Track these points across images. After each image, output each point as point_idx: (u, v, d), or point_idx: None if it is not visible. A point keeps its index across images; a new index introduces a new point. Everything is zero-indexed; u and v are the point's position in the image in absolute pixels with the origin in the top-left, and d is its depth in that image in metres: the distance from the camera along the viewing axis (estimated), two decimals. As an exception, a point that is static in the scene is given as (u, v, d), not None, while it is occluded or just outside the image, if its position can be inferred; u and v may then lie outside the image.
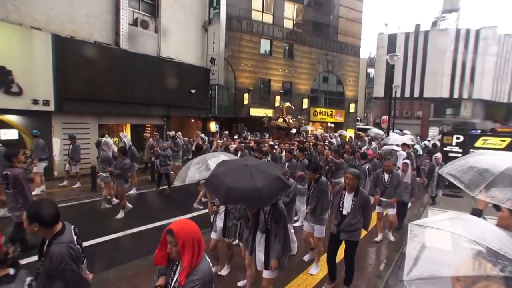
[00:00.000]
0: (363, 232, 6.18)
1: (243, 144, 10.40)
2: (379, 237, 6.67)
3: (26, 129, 10.67)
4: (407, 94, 39.20)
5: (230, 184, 3.18)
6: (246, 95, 21.63)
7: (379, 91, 40.28)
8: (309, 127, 22.46)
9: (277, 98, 23.45)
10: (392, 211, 6.68)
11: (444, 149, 11.89)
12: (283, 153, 9.95)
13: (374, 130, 22.60)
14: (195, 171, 5.08)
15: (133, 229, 7.00)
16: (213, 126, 19.37)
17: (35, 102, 10.40)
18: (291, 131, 14.96)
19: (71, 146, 10.40)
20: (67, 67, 11.03)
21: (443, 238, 1.78)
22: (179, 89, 14.96)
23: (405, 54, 38.29)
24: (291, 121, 14.74)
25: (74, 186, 10.40)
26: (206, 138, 13.45)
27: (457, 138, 11.82)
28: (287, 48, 24.75)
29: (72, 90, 11.29)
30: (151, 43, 14.31)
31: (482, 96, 37.43)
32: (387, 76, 37.65)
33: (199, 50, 16.73)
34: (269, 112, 23.24)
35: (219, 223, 4.84)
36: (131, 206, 8.21)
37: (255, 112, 22.05)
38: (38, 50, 10.29)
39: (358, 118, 35.75)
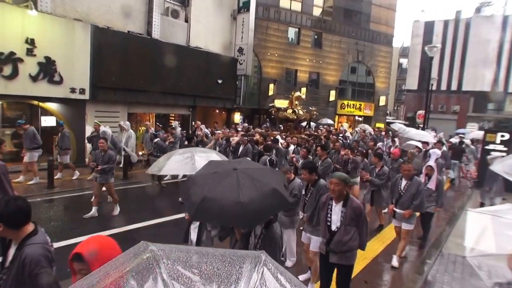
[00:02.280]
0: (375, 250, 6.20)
1: (246, 138, 9.77)
2: (394, 261, 5.71)
3: (63, 116, 11.90)
4: (443, 87, 38.64)
5: (206, 192, 2.70)
6: (271, 86, 22.31)
7: (412, 83, 39.87)
8: (329, 121, 22.61)
9: (303, 89, 23.97)
10: (407, 226, 5.68)
11: (486, 147, 11.84)
12: (291, 147, 9.74)
13: (398, 125, 22.18)
14: (176, 163, 4.75)
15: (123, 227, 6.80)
16: (237, 117, 20.23)
17: (73, 90, 11.53)
18: (301, 124, 14.53)
19: (59, 134, 10.08)
20: (102, 56, 12.09)
21: (501, 224, 2.13)
22: (206, 79, 15.86)
23: (443, 43, 37.63)
24: (301, 112, 14.18)
25: (73, 178, 10.18)
26: (207, 130, 12.88)
27: (502, 136, 11.72)
28: (316, 37, 25.16)
29: (105, 79, 12.35)
30: (180, 32, 15.27)
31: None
32: (421, 67, 37.27)
33: (227, 39, 17.55)
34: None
35: (193, 235, 4.23)
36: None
37: (279, 103, 22.61)
38: (78, 41, 11.40)
39: (388, 111, 35.73)
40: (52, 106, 11.70)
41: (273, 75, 22.62)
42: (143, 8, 13.71)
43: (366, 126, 20.30)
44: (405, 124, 29.48)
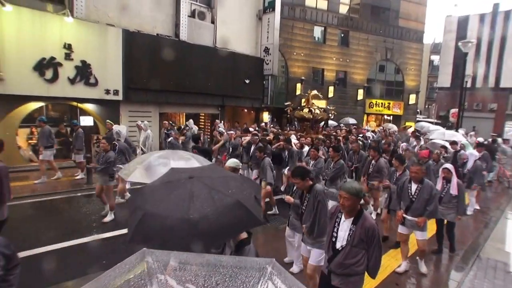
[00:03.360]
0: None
1: (257, 137, 9.36)
2: (402, 267, 5.37)
3: (99, 116, 12.50)
4: (478, 84, 36.96)
5: (149, 207, 2.22)
6: (298, 85, 22.24)
7: (444, 80, 38.35)
8: (351, 120, 21.79)
9: (331, 88, 23.76)
10: (421, 236, 5.21)
11: None
12: (305, 148, 9.05)
13: (421, 124, 21.25)
14: (145, 170, 4.04)
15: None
16: (265, 116, 20.34)
17: (107, 92, 12.08)
18: (319, 123, 13.77)
19: (74, 134, 10.13)
20: (134, 59, 12.58)
21: None
22: (233, 79, 16.10)
23: (478, 38, 35.98)
24: (317, 111, 13.44)
25: (53, 178, 9.77)
26: (224, 130, 12.14)
27: None
28: (342, 35, 24.80)
29: (136, 80, 12.84)
30: (207, 33, 15.58)
31: None
32: (455, 64, 35.83)
33: (253, 40, 17.71)
34: (321, 104, 23.76)
35: None
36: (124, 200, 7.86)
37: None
38: (111, 44, 11.93)
39: (418, 110, 34.60)
40: (89, 106, 12.32)
41: (300, 74, 22.53)
42: (170, 11, 14.13)
43: (390, 125, 19.77)
44: (436, 123, 28.66)
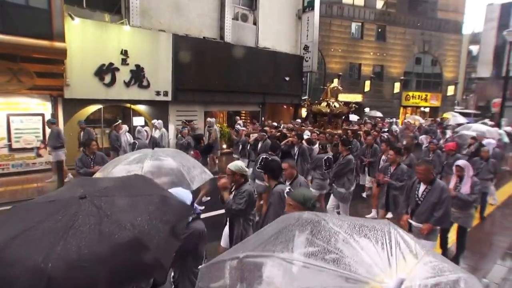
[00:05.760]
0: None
1: (264, 133, 8.42)
2: None
3: (150, 116, 12.50)
4: (521, 73, 33.53)
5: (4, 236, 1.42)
6: (335, 81, 21.23)
7: (484, 70, 35.09)
8: (378, 113, 19.97)
9: (367, 82, 22.52)
10: (429, 245, 3.97)
11: None
12: (316, 145, 7.90)
13: (451, 114, 19.47)
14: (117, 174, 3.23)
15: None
16: (304, 113, 19.65)
17: (158, 93, 11.96)
18: (339, 118, 12.20)
19: (50, 131, 8.68)
20: (182, 61, 12.28)
21: None
22: (274, 77, 15.47)
23: (521, 26, 32.55)
24: (336, 105, 11.78)
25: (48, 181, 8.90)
26: (241, 128, 10.91)
27: None
28: (379, 30, 23.27)
29: (184, 82, 12.58)
30: (250, 34, 15.07)
31: None
32: (496, 53, 32.66)
33: (293, 38, 16.94)
34: (357, 98, 22.62)
35: None
36: None
37: (344, 97, 21.56)
38: (162, 48, 11.74)
39: (456, 101, 32.13)
40: (141, 107, 12.33)
41: (337, 70, 21.52)
42: (216, 15, 13.74)
43: (416, 118, 18.31)
44: (475, 114, 26.36)
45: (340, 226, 1.33)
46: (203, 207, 5.16)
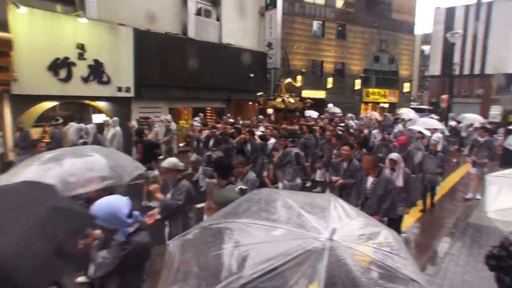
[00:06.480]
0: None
1: (215, 130, 8.10)
2: None
3: (111, 114, 11.89)
4: (466, 71, 35.94)
5: None
6: (298, 77, 21.46)
7: (435, 69, 37.23)
8: (336, 109, 20.15)
9: (329, 79, 23.01)
10: None
11: (509, 127, 11.68)
12: (271, 141, 7.71)
13: (407, 110, 20.38)
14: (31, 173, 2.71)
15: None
16: (269, 109, 19.64)
17: (119, 89, 11.39)
18: (294, 114, 11.88)
19: (20, 133, 8.08)
20: (144, 56, 11.83)
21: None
22: (239, 73, 15.32)
23: (465, 28, 34.81)
24: (291, 100, 11.38)
25: None
26: (199, 124, 10.44)
27: None
28: (339, 28, 23.89)
29: (147, 77, 12.11)
30: (213, 30, 14.79)
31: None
32: (444, 53, 34.73)
33: (256, 35, 16.87)
34: (321, 94, 23.04)
35: None
36: None
37: (307, 94, 21.88)
38: (122, 43, 11.20)
39: (412, 97, 33.80)
40: (101, 104, 11.70)
41: (300, 66, 21.77)
42: (178, 10, 13.34)
43: (373, 113, 18.99)
44: (428, 110, 27.85)
45: (291, 198, 1.57)
46: (154, 211, 3.78)
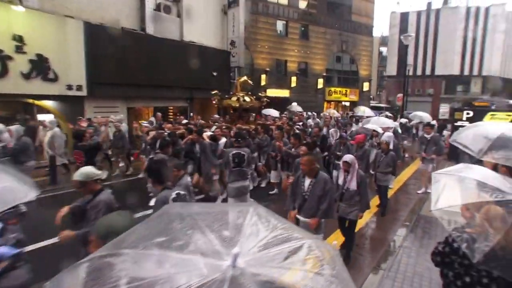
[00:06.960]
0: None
1: (162, 131, 7.61)
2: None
3: (61, 114, 10.81)
4: (419, 72, 37.98)
5: None
6: (263, 76, 21.26)
7: (391, 69, 39.10)
8: (299, 108, 19.94)
9: (293, 78, 23.04)
10: (320, 238, 3.92)
11: (455, 124, 12.00)
12: (222, 141, 7.23)
13: (364, 108, 21.22)
14: None
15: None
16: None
17: (69, 87, 10.44)
18: (250, 113, 11.36)
19: None
20: (97, 53, 10.96)
21: (455, 180, 2.29)
22: (201, 71, 14.72)
23: (417, 32, 36.80)
24: (246, 99, 10.84)
25: None
26: (149, 125, 9.45)
27: (467, 113, 11.89)
28: (303, 29, 24.03)
29: (102, 75, 11.25)
30: (174, 27, 14.07)
31: (491, 73, 36.07)
32: (399, 55, 36.38)
33: (219, 34, 16.38)
34: (285, 93, 22.95)
35: None
36: None
37: (272, 92, 21.68)
38: (71, 38, 10.25)
39: (371, 96, 34.98)
40: (49, 103, 10.61)
41: (265, 65, 21.56)
42: (135, 4, 12.49)
43: (332, 111, 19.33)
44: (386, 108, 28.95)
45: (200, 214, 1.34)
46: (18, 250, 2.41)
